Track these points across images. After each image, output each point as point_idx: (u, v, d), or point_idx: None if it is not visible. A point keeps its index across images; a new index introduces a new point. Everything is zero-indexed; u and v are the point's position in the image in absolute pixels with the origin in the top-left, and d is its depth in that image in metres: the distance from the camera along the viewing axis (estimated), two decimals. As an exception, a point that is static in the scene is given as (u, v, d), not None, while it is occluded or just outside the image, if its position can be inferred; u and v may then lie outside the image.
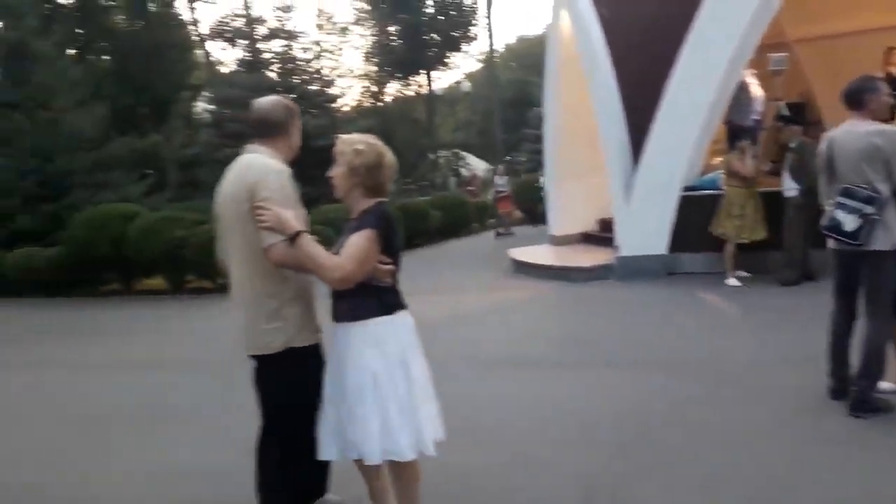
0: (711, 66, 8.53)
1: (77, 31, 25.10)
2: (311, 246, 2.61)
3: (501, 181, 17.38)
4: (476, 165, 34.98)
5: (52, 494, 3.84)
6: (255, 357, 2.81)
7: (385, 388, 2.63)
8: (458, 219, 17.57)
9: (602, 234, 10.80)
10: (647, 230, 8.86)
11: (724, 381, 4.90)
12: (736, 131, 9.15)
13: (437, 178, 30.48)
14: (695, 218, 8.49)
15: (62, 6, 25.05)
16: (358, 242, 2.59)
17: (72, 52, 23.69)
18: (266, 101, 2.97)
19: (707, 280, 8.28)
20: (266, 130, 2.90)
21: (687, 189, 8.82)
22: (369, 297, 2.66)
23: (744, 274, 8.05)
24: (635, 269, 8.81)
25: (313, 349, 2.85)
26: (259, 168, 2.74)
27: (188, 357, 7.06)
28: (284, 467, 2.85)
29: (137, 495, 3.71)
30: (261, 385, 2.85)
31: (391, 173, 2.76)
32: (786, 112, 9.68)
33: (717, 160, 10.33)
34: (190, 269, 10.94)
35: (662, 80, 8.84)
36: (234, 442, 4.32)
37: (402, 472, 2.76)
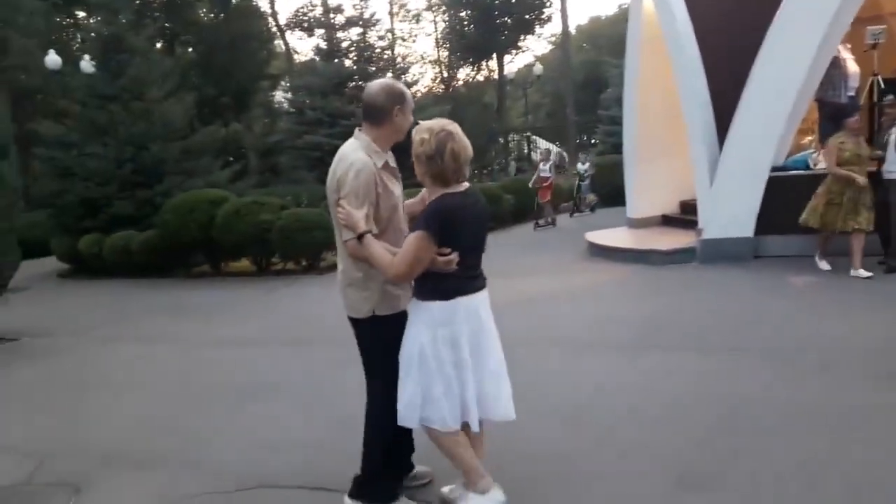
0: (802, 41, 8.19)
1: (165, 25, 26.12)
2: (372, 246, 2.81)
3: (546, 167, 15.72)
4: (549, 147, 34.67)
5: (164, 457, 4.13)
6: (350, 318, 3.09)
7: (429, 364, 2.82)
8: (530, 203, 17.48)
9: (683, 217, 10.58)
10: (732, 212, 8.63)
11: (817, 365, 4.77)
12: (829, 109, 8.78)
13: (508, 162, 30.36)
14: (783, 199, 8.21)
15: (151, 1, 26.19)
16: (408, 245, 2.77)
17: (159, 45, 24.81)
18: (371, 86, 3.05)
19: (797, 263, 8.01)
20: (368, 115, 3.01)
21: (775, 169, 8.54)
22: (428, 283, 2.84)
23: (864, 273, 7.17)
24: (719, 252, 8.61)
25: (396, 317, 3.00)
26: (346, 163, 2.89)
27: (274, 334, 7.38)
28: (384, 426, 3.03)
29: (239, 461, 3.94)
30: (358, 343, 3.14)
31: (456, 162, 2.76)
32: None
33: (807, 139, 9.95)
34: (275, 251, 11.35)
35: (750, 57, 8.56)
36: (323, 415, 4.56)
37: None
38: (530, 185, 15.70)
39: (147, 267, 12.15)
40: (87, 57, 17.45)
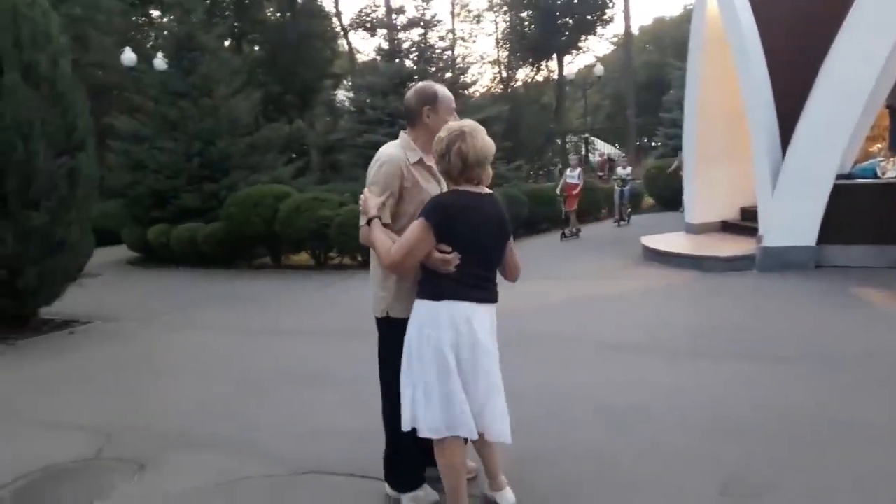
0: (875, 44, 7.94)
1: (234, 24, 26.91)
2: (375, 232, 2.85)
3: (573, 173, 14.29)
4: (605, 150, 34.27)
5: (222, 440, 4.34)
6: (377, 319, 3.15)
7: (415, 365, 2.79)
8: (586, 205, 17.35)
9: (743, 223, 10.39)
10: (794, 219, 8.44)
11: (879, 379, 4.65)
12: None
13: (555, 164, 30.12)
14: (848, 208, 8.01)
15: (221, 1, 27.04)
16: (407, 233, 2.77)
17: (228, 43, 25.59)
18: (411, 89, 3.19)
19: (862, 274, 7.77)
20: (405, 116, 3.16)
21: (840, 177, 8.30)
22: (424, 281, 2.84)
23: None
24: (780, 261, 8.43)
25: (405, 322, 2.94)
26: (376, 157, 3.05)
27: (330, 326, 7.58)
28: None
29: (291, 446, 4.11)
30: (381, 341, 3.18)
31: (463, 163, 2.73)
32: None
33: (876, 147, 9.63)
34: (332, 246, 11.63)
35: (818, 58, 8.36)
36: (372, 406, 4.67)
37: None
38: (557, 191, 14.87)
39: (211, 258, 12.60)
40: (160, 55, 18.18)
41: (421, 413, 2.77)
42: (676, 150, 15.31)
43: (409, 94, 3.13)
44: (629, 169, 16.95)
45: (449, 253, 2.74)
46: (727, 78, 9.78)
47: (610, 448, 3.81)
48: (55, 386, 5.87)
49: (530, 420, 4.31)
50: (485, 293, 2.84)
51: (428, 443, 2.87)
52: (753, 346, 5.69)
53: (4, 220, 7.35)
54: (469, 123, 2.81)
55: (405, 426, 2.81)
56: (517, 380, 5.22)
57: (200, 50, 14.42)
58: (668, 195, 17.16)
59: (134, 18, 28.34)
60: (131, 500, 3.60)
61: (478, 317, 2.78)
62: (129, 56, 20.63)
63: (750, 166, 9.26)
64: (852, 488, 3.18)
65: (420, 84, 3.19)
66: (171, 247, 12.97)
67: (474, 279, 2.79)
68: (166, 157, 13.53)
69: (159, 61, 17.39)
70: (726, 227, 11.00)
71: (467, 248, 2.75)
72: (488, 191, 2.89)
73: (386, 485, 3.31)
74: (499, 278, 2.99)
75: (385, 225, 2.91)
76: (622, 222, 15.86)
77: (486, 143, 2.78)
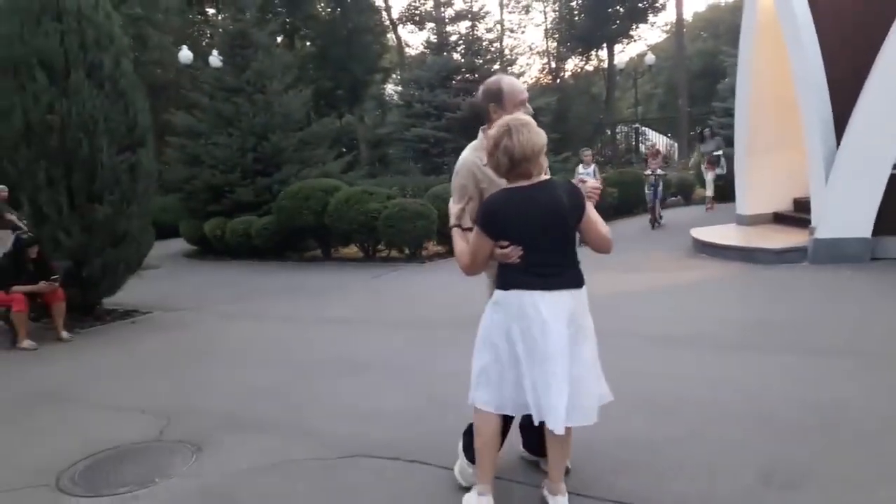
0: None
1: (286, 20, 27.37)
2: (455, 238, 3.05)
3: (587, 170, 12.60)
4: (656, 141, 33.64)
5: (274, 423, 4.54)
6: None
7: (486, 346, 2.97)
8: (636, 197, 17.14)
9: (796, 215, 10.15)
10: (849, 211, 8.22)
11: (930, 373, 4.57)
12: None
13: (620, 154, 29.67)
14: (907, 199, 7.76)
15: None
16: (470, 240, 2.97)
17: (279, 39, 26.10)
18: (481, 86, 3.24)
19: (920, 267, 7.56)
20: (480, 117, 3.20)
21: (897, 167, 8.06)
22: (497, 272, 2.98)
23: None
24: (833, 253, 8.23)
25: None
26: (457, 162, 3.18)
27: (378, 316, 7.78)
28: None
29: (340, 430, 4.28)
30: None
31: (510, 160, 2.78)
32: None
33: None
34: (381, 238, 11.83)
35: (874, 45, 8.09)
36: (417, 392, 4.84)
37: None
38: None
39: (264, 250, 12.96)
40: (215, 52, 18.70)
41: (481, 389, 2.97)
42: (729, 139, 14.93)
43: (479, 92, 3.18)
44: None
45: (507, 247, 2.85)
46: (780, 66, 9.56)
47: (652, 436, 3.87)
48: (119, 372, 6.20)
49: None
50: (554, 279, 2.88)
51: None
52: (803, 339, 5.62)
53: (71, 213, 7.75)
54: (517, 118, 2.84)
55: (470, 399, 3.02)
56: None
57: (254, 47, 14.80)
58: (720, 186, 16.79)
59: (189, 17, 29.13)
60: (191, 479, 3.81)
61: (546, 303, 2.84)
62: (185, 54, 21.29)
63: (803, 156, 9.05)
64: (894, 479, 3.16)
65: (488, 80, 3.21)
66: (226, 239, 13.37)
67: (539, 268, 2.86)
68: (221, 152, 13.94)
69: (214, 58, 17.89)
70: (778, 219, 10.77)
71: (523, 241, 2.84)
72: (544, 178, 2.92)
73: (460, 456, 3.39)
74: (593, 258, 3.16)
75: (468, 228, 3.05)
76: (657, 224, 13.71)
77: (531, 137, 2.78)
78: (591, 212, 2.96)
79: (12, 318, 7.15)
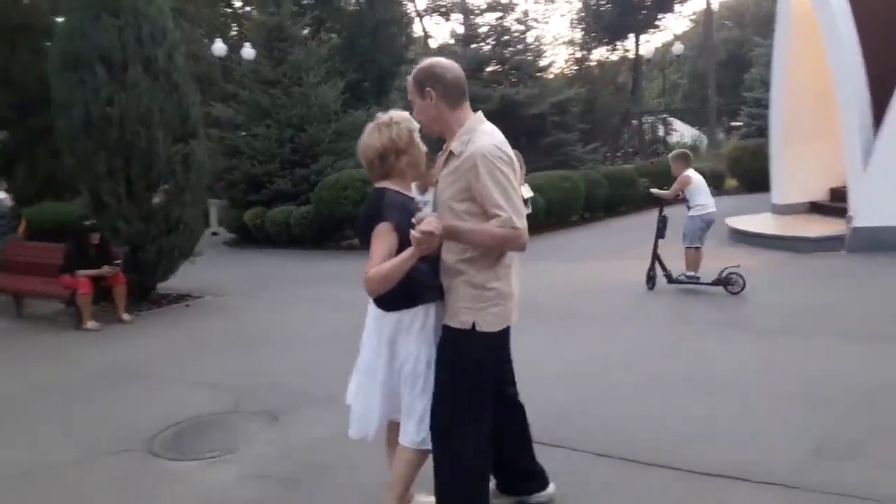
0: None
1: (314, 13, 27.59)
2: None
3: (423, 198, 9.01)
4: (683, 132, 33.53)
5: (336, 397, 4.78)
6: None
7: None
8: (666, 186, 17.23)
9: (833, 204, 10.24)
10: (887, 199, 8.31)
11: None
12: None
13: (647, 144, 29.56)
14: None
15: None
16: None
17: (306, 31, 26.40)
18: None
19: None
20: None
21: (938, 155, 8.13)
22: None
23: None
24: (871, 242, 8.33)
25: None
26: None
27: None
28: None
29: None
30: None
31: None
32: None
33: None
34: (417, 227, 12.03)
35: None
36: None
37: None
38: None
39: (302, 239, 13.27)
40: (247, 45, 19.01)
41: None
42: (763, 130, 14.97)
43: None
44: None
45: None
46: (816, 55, 9.63)
47: (707, 412, 4.08)
48: (183, 351, 6.52)
49: (632, 386, 4.63)
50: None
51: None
52: (845, 325, 5.78)
53: (130, 202, 8.09)
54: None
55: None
56: (615, 351, 5.52)
57: (290, 40, 15.08)
58: (753, 177, 16.80)
59: (215, 10, 29.48)
60: (270, 446, 4.10)
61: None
62: (219, 46, 21.64)
63: (840, 145, 9.13)
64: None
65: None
66: (267, 229, 13.71)
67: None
68: (260, 143, 14.26)
69: (247, 51, 18.21)
70: (814, 208, 10.85)
71: None
72: (379, 185, 2.77)
73: None
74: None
75: None
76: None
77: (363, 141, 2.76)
78: (376, 246, 2.58)
79: (78, 300, 7.50)
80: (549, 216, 13.25)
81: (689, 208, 7.48)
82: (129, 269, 8.10)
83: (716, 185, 18.46)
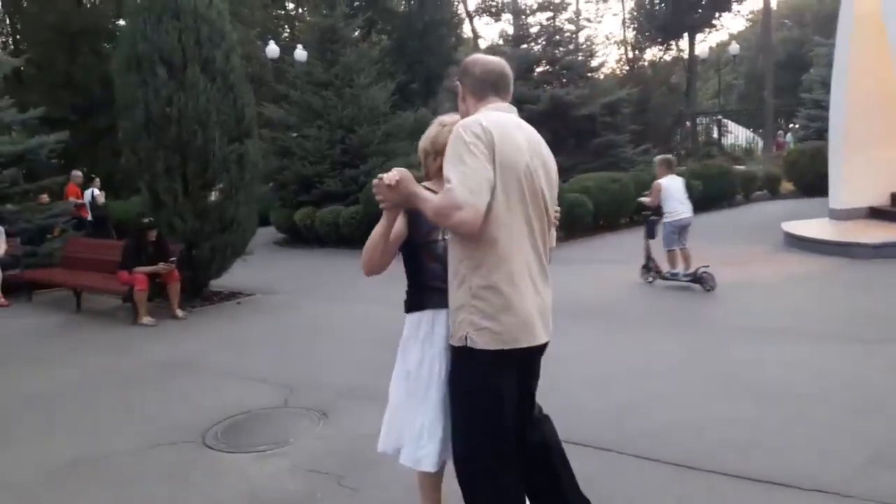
0: None
1: (365, 15, 27.91)
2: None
3: None
4: (738, 133, 32.71)
5: (368, 392, 4.84)
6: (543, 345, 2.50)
7: None
8: (720, 190, 16.85)
9: (893, 209, 9.88)
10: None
11: None
12: None
13: (701, 146, 28.98)
14: None
15: (351, -8, 28.22)
16: None
17: (356, 33, 26.72)
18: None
19: None
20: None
21: None
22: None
23: None
24: (935, 249, 8.02)
25: None
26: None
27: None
28: None
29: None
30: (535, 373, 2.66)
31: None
32: None
33: None
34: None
35: None
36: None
37: None
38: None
39: (351, 239, 13.39)
40: (300, 46, 19.34)
41: None
42: (822, 132, 14.52)
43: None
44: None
45: None
46: (880, 59, 9.32)
47: (760, 418, 4.02)
48: (235, 347, 6.68)
49: (686, 394, 4.57)
50: None
51: None
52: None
53: (186, 200, 8.32)
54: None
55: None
56: (667, 355, 5.46)
57: (342, 41, 15.27)
58: (810, 180, 16.32)
59: (270, 12, 30.08)
60: (321, 441, 4.18)
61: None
62: (272, 48, 22.12)
63: (903, 149, 8.82)
64: None
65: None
66: (316, 228, 13.90)
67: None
68: (311, 144, 14.45)
69: (300, 52, 18.53)
70: (874, 214, 10.49)
71: None
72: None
73: None
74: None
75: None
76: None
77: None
78: None
79: (135, 296, 7.75)
80: (596, 218, 13.10)
81: (661, 215, 8.02)
82: (184, 266, 8.33)
83: (771, 188, 18.04)
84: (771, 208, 15.55)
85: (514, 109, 2.47)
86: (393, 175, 2.30)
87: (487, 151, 2.22)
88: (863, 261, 8.50)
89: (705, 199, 15.82)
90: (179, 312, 7.97)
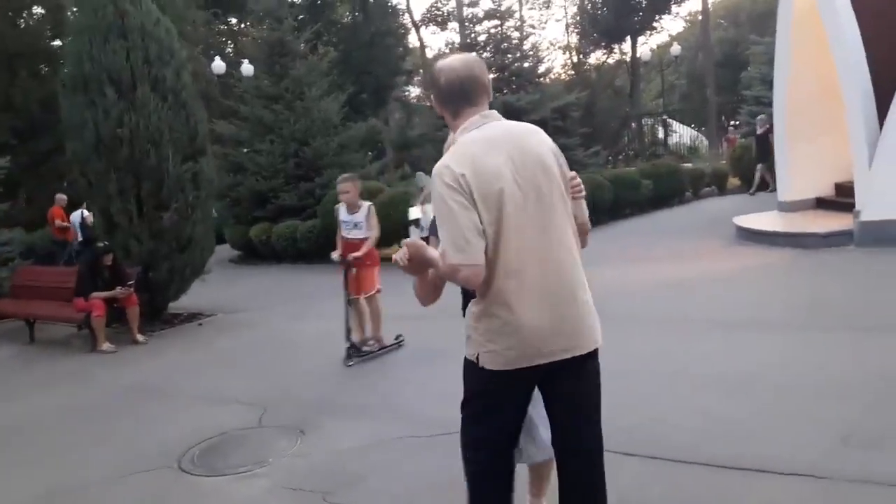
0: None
1: (311, 26, 27.75)
2: None
3: (350, 217, 6.93)
4: (682, 132, 33.56)
5: (366, 407, 4.82)
6: (587, 354, 2.35)
7: None
8: (669, 188, 17.25)
9: (839, 199, 10.25)
10: (893, 193, 8.32)
11: None
12: None
13: (647, 146, 29.65)
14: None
15: (293, 4, 27.96)
16: None
17: (302, 46, 26.54)
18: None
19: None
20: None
21: (944, 147, 8.15)
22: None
23: None
24: (879, 236, 8.32)
25: None
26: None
27: (436, 311, 7.98)
28: None
29: (427, 411, 4.45)
30: (591, 380, 2.42)
31: None
32: None
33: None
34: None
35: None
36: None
37: None
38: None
39: (309, 253, 13.27)
40: (245, 61, 19.12)
41: None
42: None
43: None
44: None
45: None
46: (819, 50, 9.65)
47: (728, 408, 4.10)
48: (202, 369, 6.55)
49: (651, 387, 4.64)
50: None
51: None
52: (861, 318, 5.78)
53: (141, 221, 8.13)
54: None
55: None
56: (634, 353, 5.55)
57: (291, 55, 15.16)
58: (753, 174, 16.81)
59: (211, 28, 29.62)
60: (300, 458, 4.12)
61: None
62: (218, 64, 21.80)
63: (844, 141, 9.16)
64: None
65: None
66: (272, 244, 13.73)
67: None
68: (264, 158, 14.30)
69: (247, 67, 18.31)
70: (821, 204, 10.86)
71: None
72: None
73: None
74: None
75: None
76: None
77: None
78: None
79: (92, 323, 7.52)
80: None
81: None
82: (142, 288, 8.12)
83: (719, 185, 18.55)
84: (720, 204, 15.97)
85: (493, 114, 2.35)
86: (403, 253, 2.25)
87: (464, 197, 2.17)
88: (813, 250, 8.79)
89: (657, 197, 16.21)
90: (140, 337, 7.77)
